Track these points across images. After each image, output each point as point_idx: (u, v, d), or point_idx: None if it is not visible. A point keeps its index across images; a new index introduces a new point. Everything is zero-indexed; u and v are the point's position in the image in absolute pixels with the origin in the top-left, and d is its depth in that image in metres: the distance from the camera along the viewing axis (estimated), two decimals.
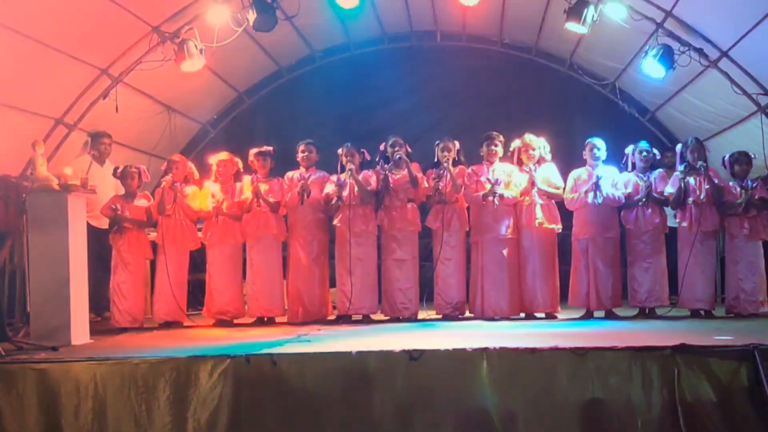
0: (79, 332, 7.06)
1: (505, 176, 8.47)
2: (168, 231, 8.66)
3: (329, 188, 8.56)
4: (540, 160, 8.60)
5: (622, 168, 8.70)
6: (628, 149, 8.72)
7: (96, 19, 8.41)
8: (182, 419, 5.48)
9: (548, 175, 8.58)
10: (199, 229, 8.94)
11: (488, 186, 8.37)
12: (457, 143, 8.62)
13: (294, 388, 5.46)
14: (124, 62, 9.33)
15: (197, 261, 9.20)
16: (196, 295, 9.47)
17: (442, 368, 5.45)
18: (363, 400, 5.42)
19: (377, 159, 8.66)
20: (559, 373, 5.39)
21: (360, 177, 8.50)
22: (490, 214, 8.43)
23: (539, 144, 8.61)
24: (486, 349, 5.46)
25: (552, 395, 5.36)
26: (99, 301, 8.79)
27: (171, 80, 9.87)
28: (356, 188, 8.45)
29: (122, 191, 8.78)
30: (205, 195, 8.82)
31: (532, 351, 5.48)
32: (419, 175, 8.49)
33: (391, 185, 8.47)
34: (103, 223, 8.77)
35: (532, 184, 8.44)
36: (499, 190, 8.33)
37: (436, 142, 8.66)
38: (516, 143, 8.66)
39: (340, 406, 5.43)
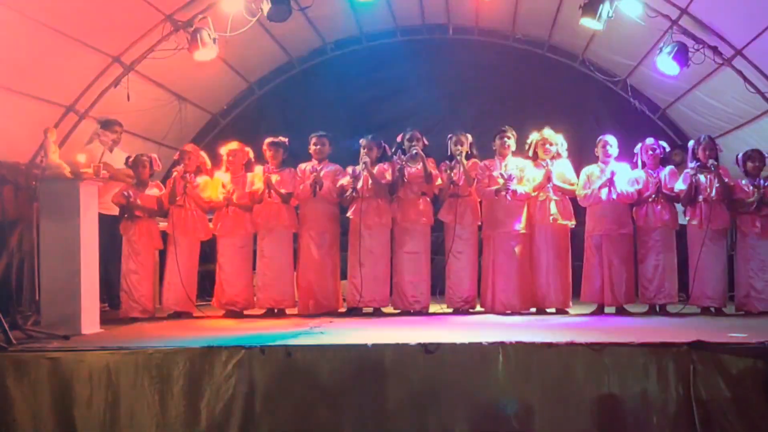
0: (90, 321, 7.04)
1: (517, 171, 8.45)
2: (179, 221, 8.64)
3: (345, 180, 8.54)
4: (555, 156, 8.59)
5: (633, 165, 8.68)
6: (637, 147, 8.70)
7: (109, 7, 8.37)
8: (196, 409, 5.49)
9: (563, 171, 8.58)
10: (210, 220, 8.91)
11: (501, 181, 8.34)
12: (469, 137, 8.63)
13: (309, 379, 5.47)
14: (136, 50, 9.28)
15: (207, 252, 9.18)
16: (205, 286, 9.45)
17: (458, 362, 5.46)
18: (378, 393, 5.43)
19: (394, 150, 8.64)
20: (575, 368, 5.40)
21: (375, 170, 8.48)
22: (502, 209, 8.41)
23: (557, 140, 8.60)
24: (502, 343, 5.46)
25: (568, 390, 5.37)
26: (113, 291, 8.79)
27: (182, 69, 9.82)
28: (370, 181, 8.43)
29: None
30: (215, 185, 8.78)
31: (549, 345, 5.48)
32: (434, 171, 8.48)
33: (406, 178, 8.45)
34: (113, 210, 8.73)
35: (548, 179, 8.43)
36: (512, 185, 8.31)
37: (449, 136, 8.64)
38: (534, 136, 8.66)
39: (356, 399, 5.44)
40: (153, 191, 8.68)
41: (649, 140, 8.71)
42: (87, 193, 7.13)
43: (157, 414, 5.51)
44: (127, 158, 8.74)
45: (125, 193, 8.48)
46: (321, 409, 5.44)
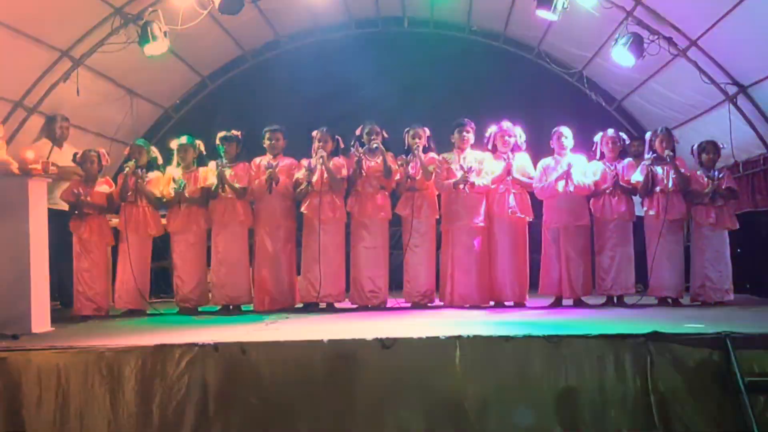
0: (40, 320, 6.88)
1: (476, 164, 8.40)
2: (130, 218, 8.48)
3: (300, 173, 8.43)
4: (515, 149, 8.55)
5: (591, 156, 8.67)
6: (597, 137, 8.70)
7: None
8: (148, 409, 5.37)
9: (523, 164, 8.54)
10: (164, 216, 8.75)
11: (460, 174, 8.29)
12: (427, 130, 8.54)
13: (264, 377, 5.37)
14: (85, 44, 9.15)
15: (160, 248, 9.03)
16: (158, 282, 9.30)
17: (415, 356, 5.39)
18: (334, 389, 5.34)
19: (352, 143, 8.53)
20: (532, 361, 5.36)
21: (330, 164, 8.37)
22: (460, 202, 8.36)
23: (516, 132, 8.56)
24: (459, 337, 5.41)
25: (525, 383, 5.33)
26: (66, 289, 8.62)
27: (133, 63, 9.71)
28: (326, 175, 8.34)
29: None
30: (167, 181, 8.63)
31: (506, 339, 5.44)
32: (394, 166, 8.40)
33: (365, 171, 8.37)
34: (64, 206, 8.56)
35: (508, 172, 8.39)
36: (471, 178, 8.26)
37: (406, 129, 8.57)
38: (492, 129, 8.60)
39: (312, 395, 5.34)
40: (103, 187, 8.52)
41: (610, 131, 8.71)
42: (36, 189, 6.98)
43: (108, 415, 5.37)
44: (75, 154, 8.56)
45: (75, 191, 8.32)
46: (276, 406, 5.33)
